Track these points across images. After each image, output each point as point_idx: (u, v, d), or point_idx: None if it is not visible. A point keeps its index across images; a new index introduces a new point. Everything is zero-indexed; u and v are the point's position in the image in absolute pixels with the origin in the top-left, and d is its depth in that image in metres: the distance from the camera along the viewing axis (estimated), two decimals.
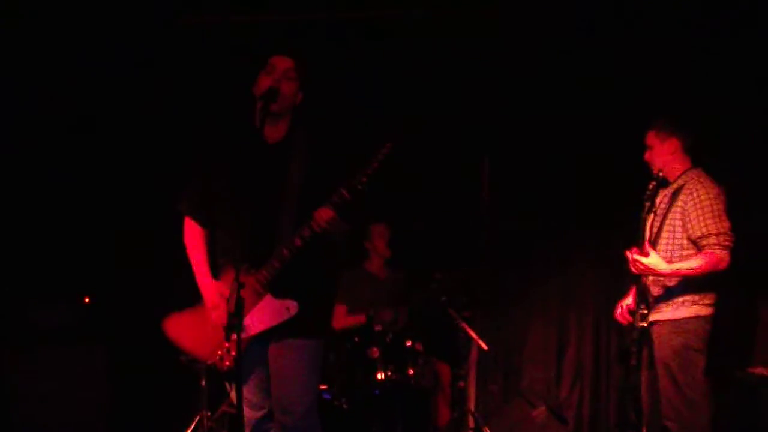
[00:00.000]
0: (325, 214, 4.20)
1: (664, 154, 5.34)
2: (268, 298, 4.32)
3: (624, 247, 6.18)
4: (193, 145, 4.74)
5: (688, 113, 5.70)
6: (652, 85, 6.61)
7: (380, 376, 6.24)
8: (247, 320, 4.24)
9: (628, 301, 5.47)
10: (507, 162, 7.38)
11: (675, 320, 5.18)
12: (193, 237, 4.55)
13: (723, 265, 5.06)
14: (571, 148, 7.14)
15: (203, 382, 6.22)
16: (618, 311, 5.53)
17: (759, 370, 5.12)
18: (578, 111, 7.02)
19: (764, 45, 5.98)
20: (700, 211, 5.12)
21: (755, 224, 5.24)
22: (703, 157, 5.39)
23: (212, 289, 4.39)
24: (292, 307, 4.31)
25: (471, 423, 6.96)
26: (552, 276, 7.52)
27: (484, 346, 6.73)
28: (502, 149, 7.36)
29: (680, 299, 5.17)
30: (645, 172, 5.52)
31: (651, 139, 5.38)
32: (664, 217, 5.28)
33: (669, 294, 5.20)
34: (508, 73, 7.06)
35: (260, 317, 4.31)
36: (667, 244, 5.25)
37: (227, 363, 4.30)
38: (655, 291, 5.26)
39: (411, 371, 6.33)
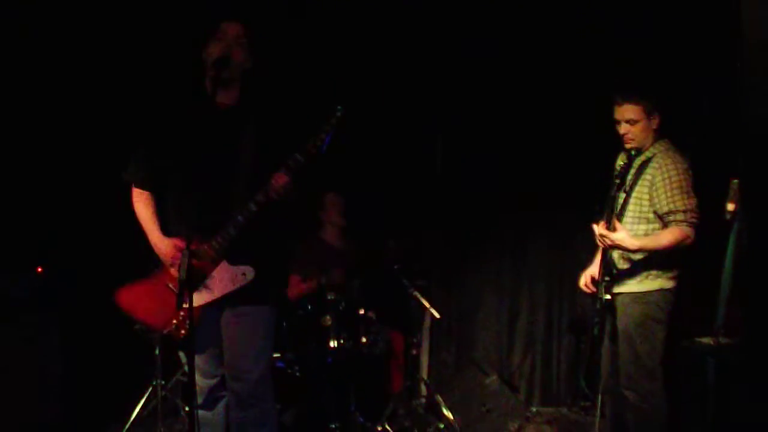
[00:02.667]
0: (280, 179, 4.21)
1: (648, 129, 5.25)
2: (224, 265, 4.34)
3: (576, 219, 6.26)
4: (141, 113, 4.72)
5: (659, 86, 5.72)
6: (605, 62, 6.69)
7: (333, 344, 6.26)
8: (203, 287, 4.27)
9: (593, 270, 5.49)
10: (462, 133, 7.43)
11: (639, 292, 5.24)
12: (141, 202, 4.56)
13: (688, 241, 5.10)
14: (525, 121, 7.21)
15: (156, 351, 6.22)
16: (582, 280, 5.54)
17: (705, 339, 5.18)
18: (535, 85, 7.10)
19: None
20: (668, 187, 5.12)
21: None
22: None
23: (167, 245, 4.39)
24: (248, 272, 4.33)
25: (424, 391, 7.04)
26: (505, 245, 7.59)
27: (437, 315, 6.77)
28: (457, 120, 7.40)
29: (645, 272, 5.22)
30: (601, 145, 5.55)
31: (637, 114, 5.22)
32: (631, 189, 5.28)
33: (634, 267, 5.25)
34: (466, 51, 7.10)
35: (216, 284, 4.33)
36: (633, 216, 5.26)
37: (183, 332, 4.30)
38: (621, 263, 5.30)
39: (364, 339, 6.37)
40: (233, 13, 4.44)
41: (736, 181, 4.72)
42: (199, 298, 4.22)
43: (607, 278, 5.29)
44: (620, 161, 5.44)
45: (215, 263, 4.33)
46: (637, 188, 5.27)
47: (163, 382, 6.30)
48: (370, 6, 6.91)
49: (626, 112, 5.25)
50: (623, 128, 5.27)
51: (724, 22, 5.75)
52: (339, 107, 4.27)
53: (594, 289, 5.40)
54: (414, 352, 6.91)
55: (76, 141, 6.68)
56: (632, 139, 5.27)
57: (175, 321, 4.30)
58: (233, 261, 4.34)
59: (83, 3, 6.52)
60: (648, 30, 6.49)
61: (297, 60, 6.82)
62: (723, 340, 4.91)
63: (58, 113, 6.64)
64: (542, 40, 6.93)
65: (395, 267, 6.78)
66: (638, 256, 5.23)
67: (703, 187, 5.21)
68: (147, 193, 4.54)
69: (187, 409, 6.34)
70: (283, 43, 6.55)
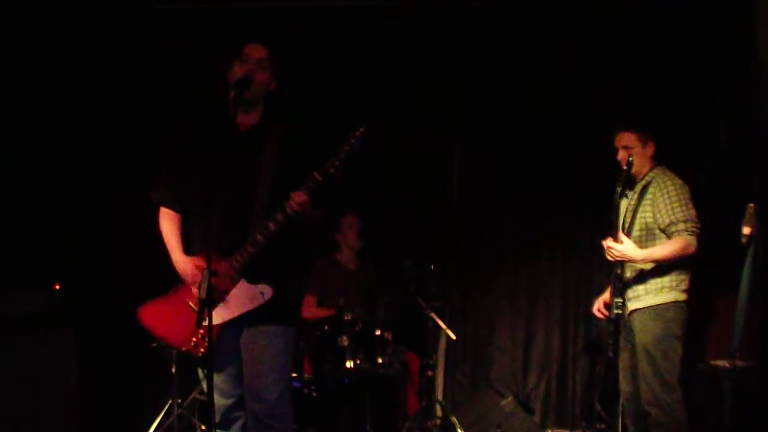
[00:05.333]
0: (298, 198, 4.22)
1: (644, 156, 5.51)
2: (242, 284, 4.34)
3: (592, 241, 6.28)
4: (165, 133, 4.75)
5: (654, 114, 5.80)
6: (616, 83, 6.73)
7: (349, 364, 6.27)
8: (222, 306, 4.29)
9: (606, 296, 5.58)
10: (477, 156, 7.45)
11: (655, 306, 5.34)
12: (168, 222, 4.55)
13: (691, 249, 5.27)
14: (539, 143, 7.24)
15: (173, 369, 6.25)
16: (596, 306, 5.65)
17: (721, 363, 5.20)
18: (546, 107, 7.13)
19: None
20: (668, 201, 5.33)
21: (709, 219, 5.36)
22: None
23: (189, 265, 4.39)
24: (266, 291, 4.33)
25: (439, 412, 7.03)
26: (521, 267, 7.60)
27: (453, 336, 6.78)
28: (473, 143, 7.43)
29: (658, 285, 5.35)
30: (614, 166, 5.62)
31: (632, 141, 5.51)
32: (636, 212, 5.46)
33: (646, 281, 5.38)
34: (478, 68, 7.13)
35: (235, 302, 4.33)
36: (641, 237, 5.43)
37: (202, 350, 4.31)
38: (632, 278, 5.42)
39: (380, 360, 6.37)
40: (257, 35, 4.49)
41: (752, 204, 4.74)
42: (217, 317, 4.23)
43: (618, 298, 5.37)
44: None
45: (234, 282, 4.35)
46: (640, 210, 5.47)
47: (179, 401, 6.33)
48: (388, 28, 6.95)
49: (622, 139, 5.56)
50: (620, 155, 5.55)
51: (740, 46, 5.80)
52: (359, 127, 4.32)
53: (606, 313, 5.48)
54: (429, 373, 6.90)
55: (95, 158, 6.73)
56: (624, 164, 5.49)
57: (194, 339, 4.32)
58: (252, 280, 4.36)
59: (114, 24, 6.58)
60: (664, 54, 6.53)
61: (317, 82, 6.87)
62: (739, 363, 4.92)
63: (80, 130, 6.69)
64: (560, 62, 6.96)
65: (412, 288, 6.79)
66: (648, 266, 5.36)
67: (720, 210, 5.25)
68: (174, 213, 4.56)
69: (203, 427, 6.36)
70: (304, 65, 6.60)
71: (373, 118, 4.55)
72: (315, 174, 4.25)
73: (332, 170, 4.26)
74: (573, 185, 7.16)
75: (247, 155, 4.40)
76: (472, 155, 7.47)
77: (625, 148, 5.51)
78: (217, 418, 4.51)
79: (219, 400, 4.50)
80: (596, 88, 6.96)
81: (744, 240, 4.74)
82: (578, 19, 6.75)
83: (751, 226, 4.75)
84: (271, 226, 4.28)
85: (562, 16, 6.80)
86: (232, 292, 4.34)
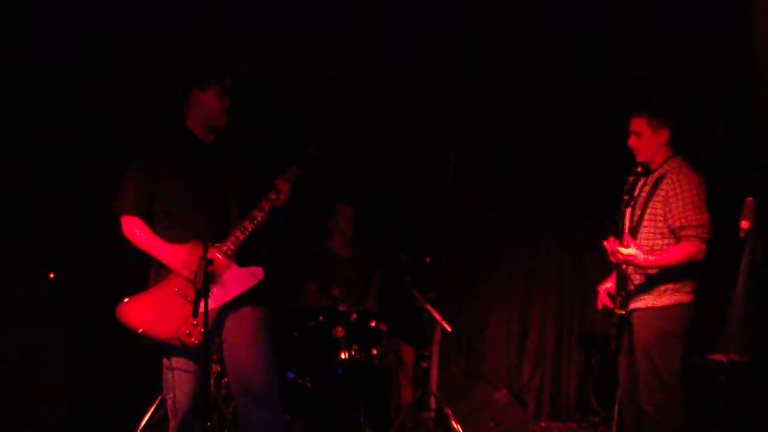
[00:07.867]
0: (284, 187, 4.59)
1: (654, 144, 5.31)
2: (234, 268, 4.53)
3: (587, 234, 6.25)
4: (134, 144, 4.83)
5: (671, 103, 5.75)
6: (620, 80, 6.71)
7: (344, 355, 6.26)
8: (217, 289, 4.42)
9: (608, 285, 5.49)
10: (474, 149, 7.45)
11: (657, 307, 5.21)
12: (138, 228, 4.65)
13: (700, 256, 5.09)
14: (536, 138, 7.23)
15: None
16: (600, 296, 5.55)
17: (718, 357, 5.19)
18: (543, 102, 7.13)
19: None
20: (681, 202, 5.14)
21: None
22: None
23: (181, 252, 4.50)
24: (257, 272, 4.55)
25: (432, 403, 7.02)
26: (516, 260, 7.60)
27: (448, 328, 6.76)
28: (470, 136, 7.41)
29: (662, 287, 5.19)
30: (608, 160, 5.58)
31: (641, 126, 5.31)
32: (645, 205, 5.28)
33: (651, 282, 5.22)
34: (477, 67, 7.12)
35: (229, 285, 4.51)
36: (649, 232, 5.26)
37: (194, 339, 4.36)
38: (637, 279, 5.28)
39: (374, 351, 6.37)
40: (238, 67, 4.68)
41: (750, 199, 4.73)
42: (214, 300, 4.40)
43: (622, 293, 5.29)
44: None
45: (227, 267, 4.52)
46: (651, 204, 5.27)
47: None
48: (385, 20, 6.92)
49: (633, 124, 5.36)
50: (631, 140, 5.36)
51: (737, 39, 5.78)
52: (316, 142, 4.71)
53: (610, 304, 5.41)
54: (424, 364, 6.91)
55: (91, 147, 6.70)
56: (638, 152, 5.36)
57: (185, 329, 4.36)
58: (241, 264, 4.55)
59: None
60: (663, 48, 6.51)
61: (305, 72, 6.85)
62: (736, 357, 4.91)
63: (76, 124, 6.67)
64: (557, 56, 6.94)
65: (407, 280, 6.79)
66: (653, 271, 5.22)
67: (718, 205, 5.21)
68: (141, 220, 4.66)
69: None
70: (291, 54, 6.58)
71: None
72: (294, 168, 4.63)
73: (307, 168, 4.66)
74: (568, 180, 7.15)
75: (218, 161, 4.66)
76: (469, 149, 7.46)
77: (635, 134, 5.33)
78: (175, 422, 4.65)
79: (180, 397, 4.61)
80: (593, 84, 6.93)
81: (742, 234, 4.73)
82: (577, 13, 6.71)
83: (749, 221, 4.75)
84: (258, 214, 4.55)
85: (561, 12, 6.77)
86: (225, 276, 4.51)
